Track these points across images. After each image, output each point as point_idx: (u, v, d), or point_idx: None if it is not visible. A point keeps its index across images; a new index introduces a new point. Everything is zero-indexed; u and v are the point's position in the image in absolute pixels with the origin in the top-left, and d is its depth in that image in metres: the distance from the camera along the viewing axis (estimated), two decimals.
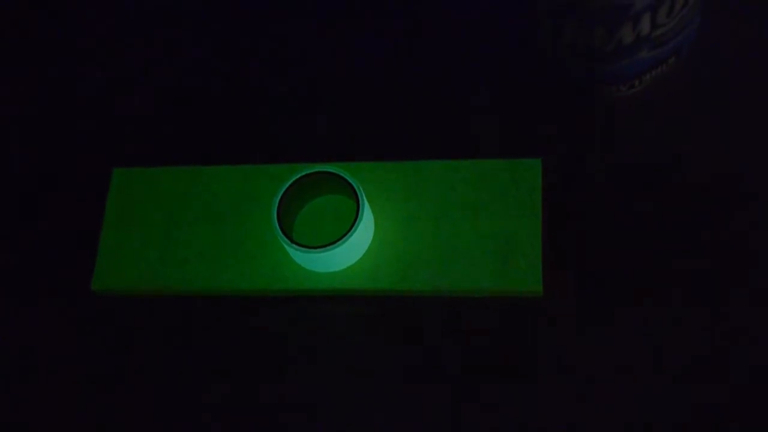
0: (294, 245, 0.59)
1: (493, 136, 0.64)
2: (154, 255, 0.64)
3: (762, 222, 0.60)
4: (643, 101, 0.63)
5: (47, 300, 0.65)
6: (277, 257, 0.62)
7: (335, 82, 0.69)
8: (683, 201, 0.61)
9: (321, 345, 0.61)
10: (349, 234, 0.59)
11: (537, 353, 0.58)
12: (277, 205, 0.60)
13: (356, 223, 0.59)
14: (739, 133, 0.62)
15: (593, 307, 0.59)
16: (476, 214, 0.61)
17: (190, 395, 0.61)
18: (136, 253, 0.64)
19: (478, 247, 0.60)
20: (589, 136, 0.64)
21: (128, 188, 0.66)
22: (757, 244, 0.59)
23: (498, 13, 0.67)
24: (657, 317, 0.58)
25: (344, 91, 0.68)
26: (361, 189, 0.60)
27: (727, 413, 0.55)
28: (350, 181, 0.60)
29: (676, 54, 0.62)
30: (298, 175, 0.61)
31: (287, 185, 0.61)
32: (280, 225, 0.60)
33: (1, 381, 0.64)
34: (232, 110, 0.69)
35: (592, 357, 0.58)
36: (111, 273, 0.64)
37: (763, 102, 0.63)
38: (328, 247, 0.59)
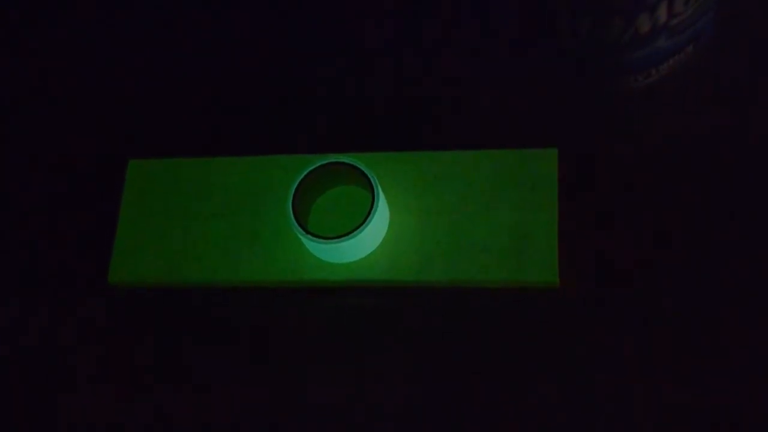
0: (309, 236, 0.59)
1: (508, 127, 0.64)
2: (169, 246, 0.64)
3: None
4: (660, 90, 0.63)
5: (64, 293, 0.66)
6: (292, 248, 0.62)
7: (350, 72, 0.69)
8: (701, 192, 0.60)
9: (330, 337, 0.61)
10: (364, 225, 0.59)
11: (552, 345, 0.58)
12: (292, 195, 0.60)
13: (371, 213, 0.59)
14: (760, 123, 0.61)
15: (609, 298, 0.58)
16: (492, 205, 0.61)
17: (204, 388, 0.61)
18: (151, 244, 0.64)
19: (494, 238, 0.60)
20: (606, 126, 0.63)
21: (144, 180, 0.66)
22: None
23: (515, 1, 0.67)
24: (674, 310, 0.58)
25: (360, 81, 0.68)
26: (376, 180, 0.60)
27: (735, 414, 0.55)
28: (365, 171, 0.60)
29: (693, 42, 0.62)
30: (314, 166, 0.61)
31: (303, 176, 0.61)
32: (295, 215, 0.60)
33: (19, 374, 0.64)
34: (247, 101, 0.69)
35: (608, 348, 0.57)
36: (127, 265, 0.64)
37: None
38: (343, 238, 0.59)
